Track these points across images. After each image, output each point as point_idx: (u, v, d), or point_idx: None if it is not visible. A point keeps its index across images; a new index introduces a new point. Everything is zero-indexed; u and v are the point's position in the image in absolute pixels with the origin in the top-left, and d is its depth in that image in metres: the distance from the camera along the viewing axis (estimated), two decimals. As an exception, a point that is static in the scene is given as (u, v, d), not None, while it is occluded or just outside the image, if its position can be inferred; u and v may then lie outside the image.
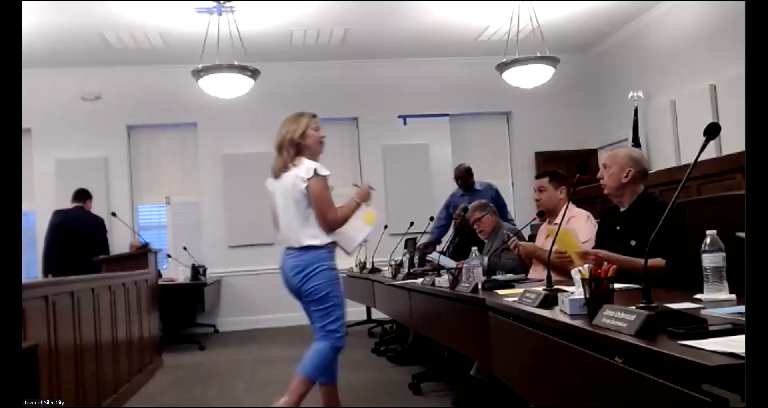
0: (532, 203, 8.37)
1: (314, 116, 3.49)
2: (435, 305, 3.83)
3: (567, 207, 3.30)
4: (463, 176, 6.48)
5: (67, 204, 6.70)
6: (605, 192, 3.18)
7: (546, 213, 3.93)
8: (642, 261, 2.79)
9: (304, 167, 3.30)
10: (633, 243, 3.00)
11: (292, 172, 3.32)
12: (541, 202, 3.92)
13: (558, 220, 3.75)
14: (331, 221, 3.31)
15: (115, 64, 8.00)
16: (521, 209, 8.34)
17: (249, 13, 6.63)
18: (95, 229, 6.47)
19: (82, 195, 6.62)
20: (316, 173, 3.29)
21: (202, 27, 6.53)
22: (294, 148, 3.36)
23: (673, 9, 7.01)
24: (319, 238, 3.32)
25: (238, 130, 8.36)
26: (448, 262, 3.95)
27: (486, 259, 4.30)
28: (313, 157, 3.41)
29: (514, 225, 5.62)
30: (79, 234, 6.32)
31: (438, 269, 4.07)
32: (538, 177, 3.99)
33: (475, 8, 7.01)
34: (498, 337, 2.73)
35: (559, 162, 7.99)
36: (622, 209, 3.18)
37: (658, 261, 2.70)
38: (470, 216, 4.84)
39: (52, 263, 6.27)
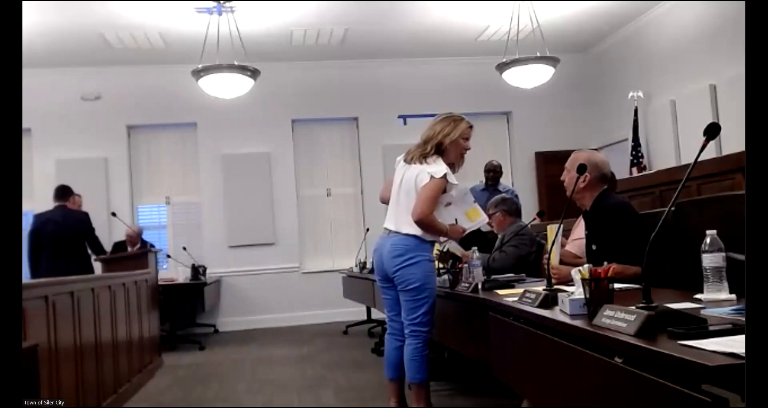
0: (533, 203, 8.43)
1: (471, 127, 3.50)
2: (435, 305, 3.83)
3: (566, 208, 3.29)
4: (495, 170, 6.54)
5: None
6: (567, 194, 3.18)
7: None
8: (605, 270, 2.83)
9: (437, 167, 3.32)
10: (594, 247, 3.01)
11: (423, 165, 3.36)
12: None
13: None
14: (420, 214, 3.27)
15: (115, 64, 8.00)
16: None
17: (249, 13, 6.63)
18: (76, 228, 6.22)
19: (63, 193, 6.36)
20: (443, 177, 3.30)
21: (202, 27, 6.53)
22: (436, 147, 3.39)
23: (673, 9, 7.01)
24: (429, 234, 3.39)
25: (238, 130, 8.36)
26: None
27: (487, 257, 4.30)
28: (449, 162, 3.43)
29: None
30: (55, 236, 6.12)
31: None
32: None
33: (475, 8, 7.01)
34: (498, 337, 2.73)
35: (560, 162, 7.93)
36: (587, 212, 3.19)
37: (615, 268, 2.71)
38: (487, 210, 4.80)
39: (34, 271, 6.16)
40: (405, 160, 3.48)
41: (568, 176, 3.12)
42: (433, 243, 3.48)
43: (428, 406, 3.43)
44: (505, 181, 8.81)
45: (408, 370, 3.40)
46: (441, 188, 3.31)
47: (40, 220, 6.32)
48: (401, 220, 3.39)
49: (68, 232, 6.17)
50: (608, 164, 3.17)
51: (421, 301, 3.35)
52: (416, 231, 3.34)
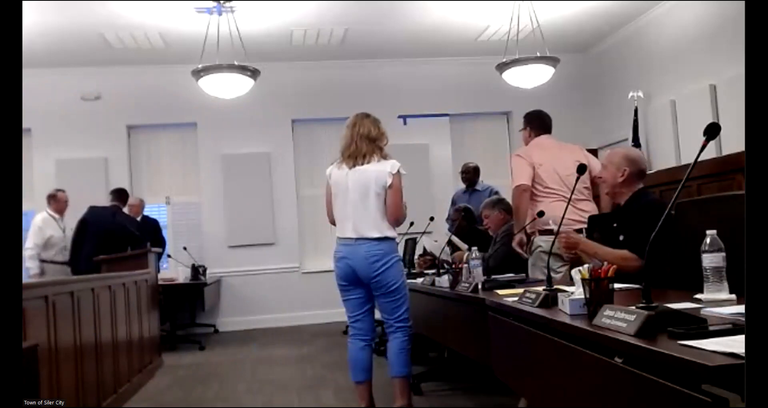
0: (532, 203, 8.39)
1: None
2: (435, 305, 3.84)
3: (569, 203, 3.29)
4: (469, 172, 6.64)
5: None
6: (605, 191, 3.21)
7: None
8: (615, 252, 2.85)
9: (389, 164, 3.45)
10: (621, 238, 3.02)
11: (375, 166, 3.43)
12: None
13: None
14: (402, 216, 3.48)
15: (115, 64, 7.99)
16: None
17: (249, 13, 6.63)
18: (117, 229, 6.32)
19: (119, 195, 6.64)
20: (399, 171, 3.45)
21: (202, 27, 6.53)
22: (383, 146, 3.51)
23: (673, 9, 7.01)
24: (392, 231, 3.49)
25: (238, 130, 8.36)
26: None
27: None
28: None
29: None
30: (101, 233, 6.21)
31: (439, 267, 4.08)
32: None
33: (475, 8, 7.00)
34: (498, 337, 2.73)
35: (559, 162, 7.97)
36: (620, 207, 3.20)
37: (625, 253, 2.78)
38: (481, 212, 4.83)
39: (74, 259, 6.26)
40: (349, 167, 3.47)
41: (605, 172, 3.12)
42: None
43: (411, 402, 3.48)
44: (506, 182, 8.83)
45: (395, 365, 3.44)
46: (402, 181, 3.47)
47: (92, 212, 6.45)
48: (365, 226, 3.43)
49: (110, 232, 6.25)
50: (645, 160, 3.18)
51: (401, 299, 3.48)
52: (388, 234, 3.43)
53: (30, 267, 6.46)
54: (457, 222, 5.39)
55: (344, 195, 3.48)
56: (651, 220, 2.94)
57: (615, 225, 3.16)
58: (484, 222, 4.83)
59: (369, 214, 3.42)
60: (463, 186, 6.92)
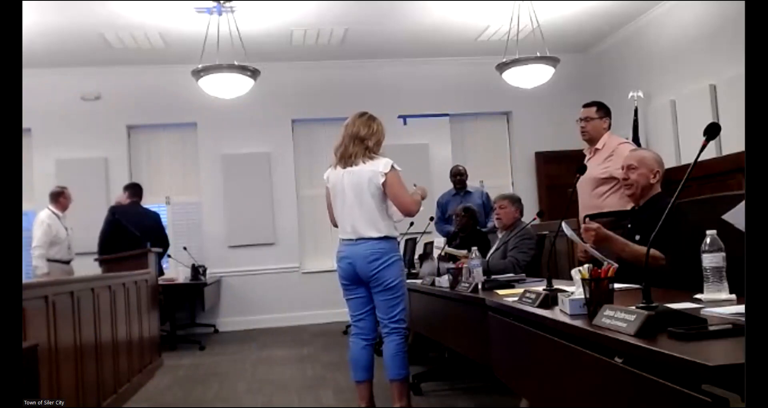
0: (532, 203, 8.42)
1: None
2: (435, 305, 3.84)
3: (567, 206, 3.30)
4: (462, 174, 6.71)
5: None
6: (630, 192, 3.14)
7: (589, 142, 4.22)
8: (638, 247, 2.85)
9: (382, 162, 3.44)
10: (637, 237, 3.01)
11: (368, 166, 3.44)
12: (587, 130, 4.20)
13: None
14: (410, 208, 3.46)
15: (115, 64, 8.00)
16: (521, 209, 8.34)
17: (249, 13, 6.63)
18: (151, 225, 6.47)
19: (137, 190, 6.73)
20: (393, 168, 3.44)
21: (202, 27, 6.53)
22: (379, 146, 3.51)
23: (673, 9, 7.01)
24: (392, 230, 3.49)
25: (238, 130, 8.36)
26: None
27: (490, 255, 4.29)
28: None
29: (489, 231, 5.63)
30: (131, 231, 6.22)
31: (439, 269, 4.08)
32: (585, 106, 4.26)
33: (475, 8, 7.01)
34: (498, 337, 2.73)
35: (559, 162, 7.98)
36: (636, 208, 3.18)
37: (654, 252, 2.74)
38: (495, 202, 4.79)
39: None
40: (343, 166, 3.49)
41: (636, 173, 3.08)
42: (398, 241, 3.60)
43: (410, 402, 3.48)
44: (506, 182, 8.86)
45: (391, 368, 3.43)
46: (400, 176, 3.46)
47: (118, 212, 6.50)
48: (363, 226, 3.45)
49: (146, 225, 6.36)
50: None
51: (398, 298, 3.47)
52: (386, 233, 3.44)
53: (38, 266, 6.37)
54: (462, 221, 5.39)
55: (342, 196, 3.51)
56: (673, 223, 2.94)
57: (629, 226, 3.15)
58: (495, 211, 4.75)
59: (366, 214, 3.44)
60: (449, 189, 6.87)
